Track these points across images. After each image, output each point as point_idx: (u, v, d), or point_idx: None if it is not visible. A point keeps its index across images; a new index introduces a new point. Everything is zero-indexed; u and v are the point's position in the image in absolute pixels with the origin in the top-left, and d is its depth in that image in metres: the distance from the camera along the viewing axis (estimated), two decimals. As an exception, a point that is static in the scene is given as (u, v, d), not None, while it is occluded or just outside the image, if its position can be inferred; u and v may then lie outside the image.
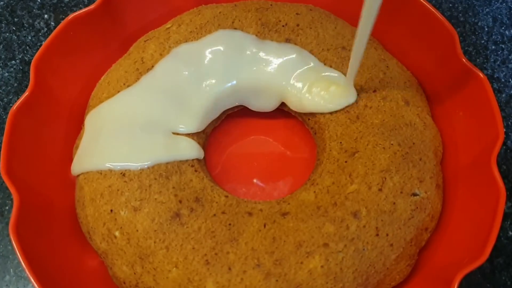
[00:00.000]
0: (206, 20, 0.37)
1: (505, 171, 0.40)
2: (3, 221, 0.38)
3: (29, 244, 0.30)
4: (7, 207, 0.38)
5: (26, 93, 0.33)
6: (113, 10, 0.38)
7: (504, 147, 0.40)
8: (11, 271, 0.36)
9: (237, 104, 0.38)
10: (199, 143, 0.35)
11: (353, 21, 0.39)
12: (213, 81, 0.36)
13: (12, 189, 0.30)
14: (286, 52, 0.36)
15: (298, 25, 0.37)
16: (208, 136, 0.38)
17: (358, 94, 0.35)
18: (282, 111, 0.39)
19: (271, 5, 0.38)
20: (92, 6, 0.36)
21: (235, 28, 0.37)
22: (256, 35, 0.36)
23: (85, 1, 0.46)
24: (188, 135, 0.35)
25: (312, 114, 0.36)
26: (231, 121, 0.40)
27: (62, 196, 0.35)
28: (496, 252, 0.37)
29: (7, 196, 0.39)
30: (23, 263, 0.29)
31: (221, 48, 0.36)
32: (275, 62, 0.36)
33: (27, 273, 0.29)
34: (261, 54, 0.36)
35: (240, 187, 0.37)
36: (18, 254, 0.29)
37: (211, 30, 0.36)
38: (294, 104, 0.36)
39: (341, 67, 0.36)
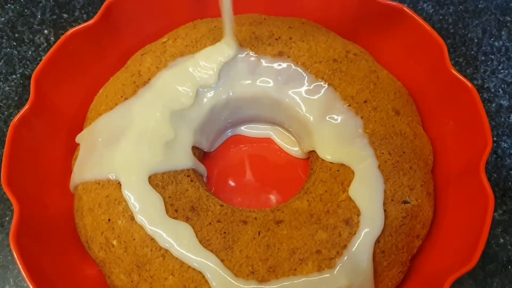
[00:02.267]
0: (202, 34, 0.38)
1: (496, 179, 0.40)
2: (3, 232, 0.39)
3: (29, 253, 0.31)
4: (7, 218, 0.39)
5: (26, 106, 0.34)
6: (111, 25, 0.39)
7: (495, 155, 0.41)
8: (11, 281, 0.37)
9: (230, 120, 0.39)
10: (195, 154, 0.36)
11: (344, 34, 0.40)
12: (210, 93, 0.37)
13: (12, 200, 0.31)
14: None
15: (291, 38, 0.38)
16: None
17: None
18: (275, 124, 0.41)
19: (264, 19, 0.39)
20: (90, 22, 0.37)
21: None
22: (250, 48, 0.37)
23: (84, 16, 0.47)
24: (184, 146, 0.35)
25: (304, 128, 0.37)
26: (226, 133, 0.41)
27: (61, 207, 0.35)
28: (488, 259, 0.38)
29: (7, 207, 0.39)
30: (23, 272, 0.29)
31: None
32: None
33: (28, 282, 0.29)
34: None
35: (236, 196, 0.38)
36: (19, 264, 0.29)
37: (206, 44, 0.37)
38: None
39: (333, 78, 0.37)
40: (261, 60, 0.37)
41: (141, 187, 0.32)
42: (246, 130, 0.41)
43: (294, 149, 0.40)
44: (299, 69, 0.37)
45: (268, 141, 0.41)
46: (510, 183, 0.40)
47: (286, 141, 0.41)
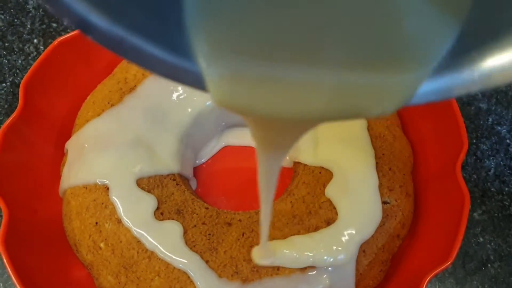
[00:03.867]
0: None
1: (475, 180, 0.41)
2: (-7, 237, 0.39)
3: (18, 257, 0.31)
4: (-3, 224, 0.40)
5: (15, 113, 0.35)
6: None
7: (474, 157, 0.42)
8: (1, 285, 0.38)
9: (217, 124, 0.40)
10: (185, 159, 0.37)
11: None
12: (195, 99, 0.38)
13: (1, 204, 0.32)
14: None
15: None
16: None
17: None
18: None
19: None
20: (78, 31, 0.38)
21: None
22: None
23: (73, 26, 0.48)
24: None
25: None
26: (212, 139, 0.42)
27: (50, 211, 0.36)
28: (468, 258, 0.39)
29: (-3, 213, 0.40)
30: (13, 277, 0.30)
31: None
32: None
33: (17, 286, 0.30)
34: None
35: (221, 199, 0.39)
36: (8, 268, 0.30)
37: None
38: None
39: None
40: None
41: (128, 190, 0.33)
42: (233, 140, 0.42)
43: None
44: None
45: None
46: (489, 183, 0.41)
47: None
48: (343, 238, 0.32)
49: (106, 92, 0.38)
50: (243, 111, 0.16)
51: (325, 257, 0.31)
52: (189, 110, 0.37)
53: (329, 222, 0.33)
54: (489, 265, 0.39)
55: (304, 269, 0.32)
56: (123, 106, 0.36)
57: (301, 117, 0.16)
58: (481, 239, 0.40)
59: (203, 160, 0.41)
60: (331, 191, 0.34)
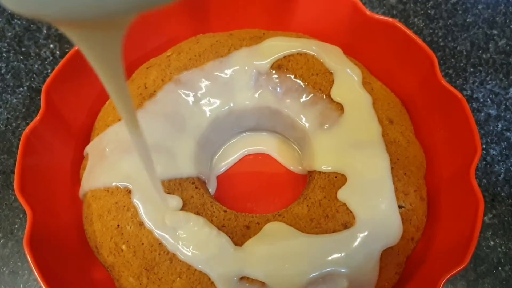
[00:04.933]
0: (204, 48, 0.40)
1: (486, 184, 0.42)
2: (13, 239, 0.40)
3: (41, 258, 0.32)
4: (16, 226, 0.40)
5: (37, 117, 0.36)
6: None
7: (484, 162, 0.43)
8: (21, 286, 0.38)
9: (233, 130, 0.41)
10: (201, 163, 0.38)
11: (340, 47, 0.42)
12: (213, 104, 0.38)
13: (26, 207, 0.32)
14: None
15: (289, 51, 0.40)
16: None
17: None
18: (275, 133, 0.42)
19: (263, 33, 0.41)
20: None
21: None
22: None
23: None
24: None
25: (302, 137, 0.39)
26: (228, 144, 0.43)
27: (70, 214, 0.37)
28: (479, 261, 0.40)
29: (16, 214, 0.41)
30: (38, 277, 0.31)
31: (220, 74, 0.39)
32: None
33: (42, 286, 0.31)
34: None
35: (238, 203, 0.40)
36: (33, 268, 0.31)
37: (209, 57, 0.39)
38: None
39: (329, 89, 0.39)
40: (261, 73, 0.39)
41: (150, 193, 0.34)
42: (247, 151, 0.43)
43: (296, 168, 0.42)
44: (297, 81, 0.39)
45: (271, 150, 0.43)
46: (499, 188, 0.42)
47: (287, 158, 0.42)
48: (362, 244, 0.32)
49: (126, 97, 0.38)
50: (34, 14, 0.17)
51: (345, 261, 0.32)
52: (208, 114, 0.38)
53: (346, 225, 0.34)
54: (500, 268, 0.39)
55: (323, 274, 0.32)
56: (143, 111, 0.37)
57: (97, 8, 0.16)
58: (492, 243, 0.40)
59: (226, 168, 0.42)
60: (344, 194, 0.35)
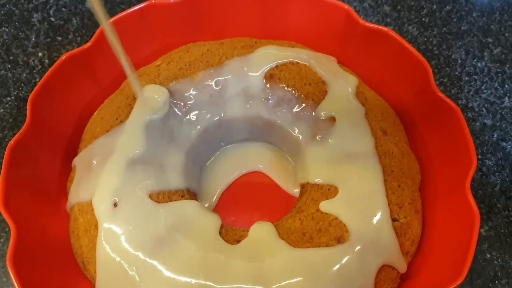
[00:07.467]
0: (195, 58, 0.39)
1: (481, 195, 0.42)
2: (-2, 253, 0.39)
3: (25, 275, 0.31)
4: (1, 240, 0.39)
5: (23, 129, 0.35)
6: (106, 48, 0.40)
7: (480, 173, 0.42)
8: (6, 302, 0.37)
9: (222, 142, 0.40)
10: (191, 175, 0.37)
11: (332, 56, 0.41)
12: (203, 115, 0.38)
13: (9, 221, 0.31)
14: None
15: (281, 61, 0.39)
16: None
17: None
18: (269, 144, 0.41)
19: (255, 42, 0.41)
20: (86, 45, 0.38)
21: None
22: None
23: (78, 39, 0.48)
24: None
25: (295, 148, 0.38)
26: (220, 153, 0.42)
27: (56, 228, 0.36)
28: (475, 274, 0.39)
29: (1, 228, 0.40)
30: (19, 293, 0.30)
31: (211, 84, 0.38)
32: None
33: (24, 303, 0.30)
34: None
35: (229, 216, 0.39)
36: (15, 285, 0.30)
37: (199, 67, 0.38)
38: None
39: (321, 100, 0.38)
40: (253, 83, 0.38)
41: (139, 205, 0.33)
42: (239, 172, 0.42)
43: (291, 190, 0.41)
44: (290, 90, 0.38)
45: (263, 163, 0.42)
46: (495, 199, 0.41)
47: (282, 177, 0.42)
48: (360, 261, 0.32)
49: (114, 108, 0.38)
50: None
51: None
52: (197, 126, 0.37)
53: (339, 240, 0.33)
54: (496, 281, 0.39)
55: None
56: (131, 122, 0.36)
57: None
58: (488, 256, 0.40)
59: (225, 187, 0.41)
60: (329, 207, 0.34)
